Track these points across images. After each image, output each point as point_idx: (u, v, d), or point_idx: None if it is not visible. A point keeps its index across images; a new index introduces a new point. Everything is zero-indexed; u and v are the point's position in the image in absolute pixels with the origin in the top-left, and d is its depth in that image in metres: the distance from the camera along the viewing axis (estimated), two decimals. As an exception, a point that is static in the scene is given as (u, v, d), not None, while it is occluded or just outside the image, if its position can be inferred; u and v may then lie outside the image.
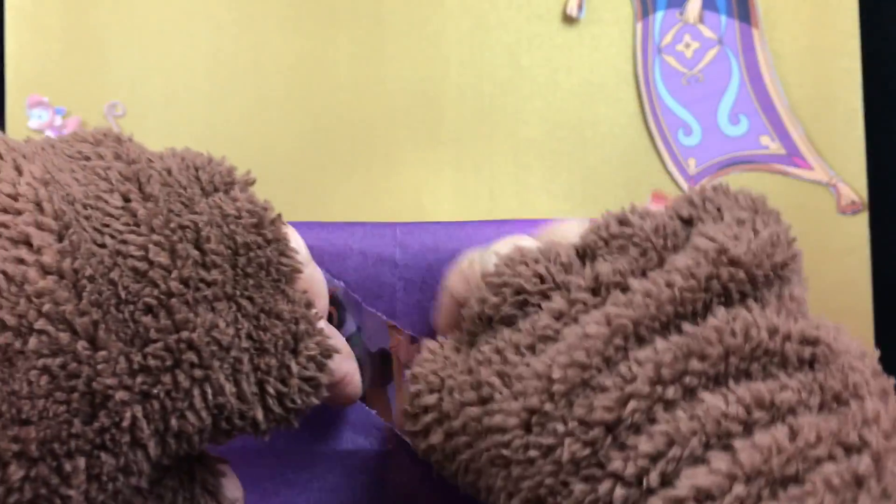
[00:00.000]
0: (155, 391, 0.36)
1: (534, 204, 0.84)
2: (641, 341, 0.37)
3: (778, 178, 0.85)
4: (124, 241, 0.36)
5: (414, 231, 0.51)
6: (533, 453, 0.36)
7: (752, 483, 0.32)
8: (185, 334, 0.36)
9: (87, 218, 0.36)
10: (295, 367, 0.41)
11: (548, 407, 0.36)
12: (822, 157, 0.84)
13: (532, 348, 0.38)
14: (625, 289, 0.39)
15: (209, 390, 0.37)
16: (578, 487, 0.35)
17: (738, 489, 0.32)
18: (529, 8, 0.85)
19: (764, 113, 0.85)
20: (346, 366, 0.46)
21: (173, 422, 0.37)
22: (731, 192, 0.43)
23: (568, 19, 0.85)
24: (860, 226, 0.85)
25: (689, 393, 0.36)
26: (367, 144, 0.85)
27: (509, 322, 0.41)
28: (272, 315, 0.40)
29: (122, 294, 0.35)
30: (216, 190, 0.41)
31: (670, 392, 0.35)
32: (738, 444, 0.34)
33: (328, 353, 0.43)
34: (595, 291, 0.39)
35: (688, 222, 0.41)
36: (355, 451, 0.50)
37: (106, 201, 0.37)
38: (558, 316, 0.39)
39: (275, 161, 0.84)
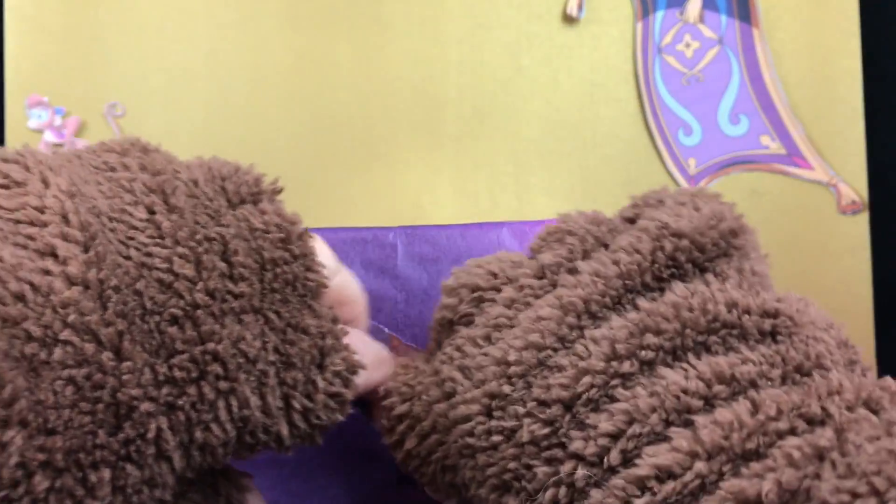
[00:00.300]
0: (180, 402, 0.35)
1: (534, 204, 0.84)
2: (596, 318, 0.38)
3: (778, 178, 0.85)
4: (149, 254, 0.36)
5: (414, 241, 0.51)
6: (496, 438, 0.36)
7: (714, 460, 0.32)
8: (210, 346, 0.36)
9: (112, 230, 0.36)
10: (321, 383, 0.40)
11: (506, 389, 0.36)
12: (822, 157, 0.84)
13: (488, 338, 0.39)
14: (573, 272, 0.40)
15: (234, 403, 0.37)
16: (541, 470, 0.35)
17: (700, 466, 0.32)
18: (529, 8, 0.85)
19: (764, 113, 0.85)
20: (377, 375, 0.46)
21: (198, 434, 0.36)
22: (671, 190, 0.44)
23: (568, 19, 0.85)
24: (860, 226, 0.84)
25: (647, 367, 0.36)
26: (367, 145, 0.85)
27: (468, 322, 0.42)
28: (299, 329, 0.40)
29: (148, 305, 0.35)
30: (243, 202, 0.41)
31: (626, 366, 0.36)
32: (698, 419, 0.33)
33: (354, 369, 0.42)
34: (540, 277, 0.40)
35: (633, 221, 0.42)
36: (361, 477, 0.50)
37: (131, 214, 0.37)
38: (509, 304, 0.39)
39: (275, 161, 0.84)
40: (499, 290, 0.41)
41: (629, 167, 0.85)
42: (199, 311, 0.36)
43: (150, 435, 0.34)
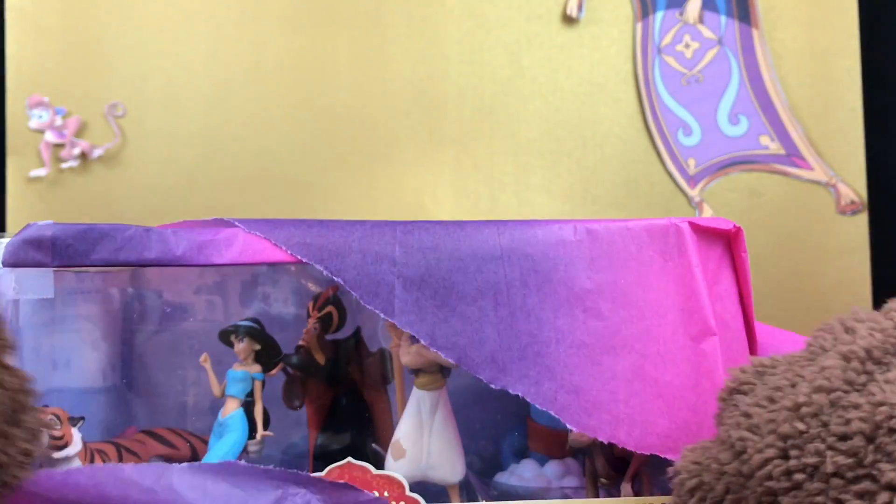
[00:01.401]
0: None
1: (534, 204, 0.84)
2: (882, 365, 0.40)
3: (777, 178, 0.85)
4: None
5: (414, 230, 0.51)
6: (798, 476, 0.38)
7: None
8: None
9: None
10: (16, 438, 0.40)
11: (800, 426, 0.38)
12: (821, 158, 0.85)
13: (771, 399, 0.42)
14: (849, 331, 0.42)
15: None
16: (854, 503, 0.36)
17: None
18: (529, 8, 0.86)
19: (763, 113, 0.85)
20: None
21: None
22: None
23: (568, 19, 0.85)
24: (860, 226, 0.85)
25: None
26: (367, 144, 0.85)
27: (749, 391, 0.44)
28: None
29: None
30: None
31: None
32: None
33: (45, 426, 0.42)
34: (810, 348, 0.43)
35: None
36: None
37: None
38: (787, 371, 0.43)
39: (275, 161, 0.85)
40: (776, 366, 0.44)
41: (629, 167, 0.85)
42: None
43: None
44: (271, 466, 0.49)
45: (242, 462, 0.50)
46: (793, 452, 0.38)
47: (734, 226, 0.52)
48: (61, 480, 0.47)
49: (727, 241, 0.53)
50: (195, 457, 0.60)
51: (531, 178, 0.85)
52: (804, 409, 0.38)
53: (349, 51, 0.85)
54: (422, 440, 0.55)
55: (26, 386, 0.41)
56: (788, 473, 0.38)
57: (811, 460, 0.37)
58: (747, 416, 0.41)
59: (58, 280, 0.52)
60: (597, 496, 0.55)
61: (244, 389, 0.56)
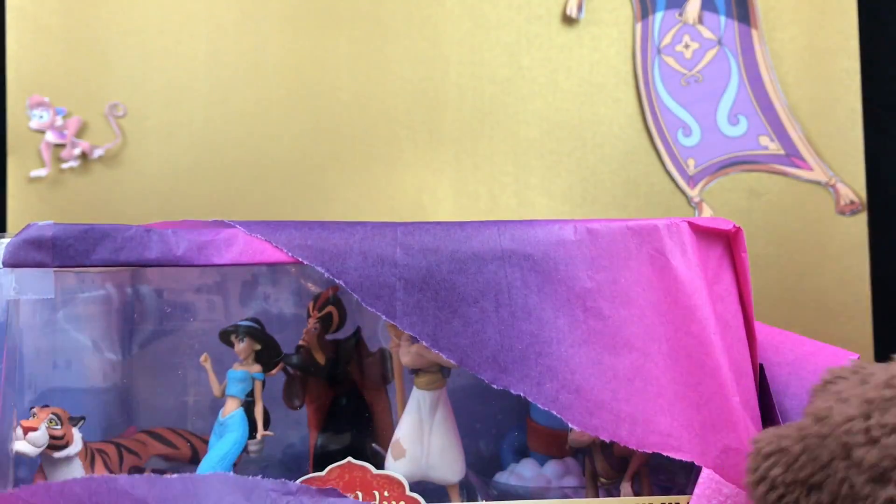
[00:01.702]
0: None
1: (534, 204, 0.84)
2: None
3: (777, 179, 0.85)
4: None
5: (414, 231, 0.51)
6: (876, 433, 0.40)
7: None
8: None
9: None
10: None
11: (886, 393, 0.41)
12: (820, 158, 0.85)
13: (864, 381, 0.44)
14: None
15: None
16: None
17: None
18: (529, 8, 0.86)
19: (763, 113, 0.85)
20: None
21: None
22: None
23: (568, 19, 0.85)
24: (859, 226, 0.85)
25: None
26: (367, 144, 0.85)
27: (842, 382, 0.46)
28: None
29: None
30: None
31: None
32: None
33: None
34: None
35: None
36: None
37: None
38: (884, 368, 0.44)
39: (275, 161, 0.85)
40: (874, 369, 0.46)
41: (628, 167, 0.85)
42: None
43: None
44: (260, 476, 0.50)
45: (232, 474, 0.50)
46: (875, 414, 0.40)
47: (734, 226, 0.52)
48: (58, 492, 0.48)
49: (727, 241, 0.53)
50: (195, 456, 0.60)
51: (531, 178, 0.85)
52: (895, 381, 0.41)
53: (349, 51, 0.85)
54: (422, 440, 0.55)
55: None
56: (867, 430, 0.40)
57: (892, 420, 0.40)
58: (837, 393, 0.44)
59: (58, 280, 0.52)
60: (597, 496, 0.56)
61: (244, 389, 0.56)
